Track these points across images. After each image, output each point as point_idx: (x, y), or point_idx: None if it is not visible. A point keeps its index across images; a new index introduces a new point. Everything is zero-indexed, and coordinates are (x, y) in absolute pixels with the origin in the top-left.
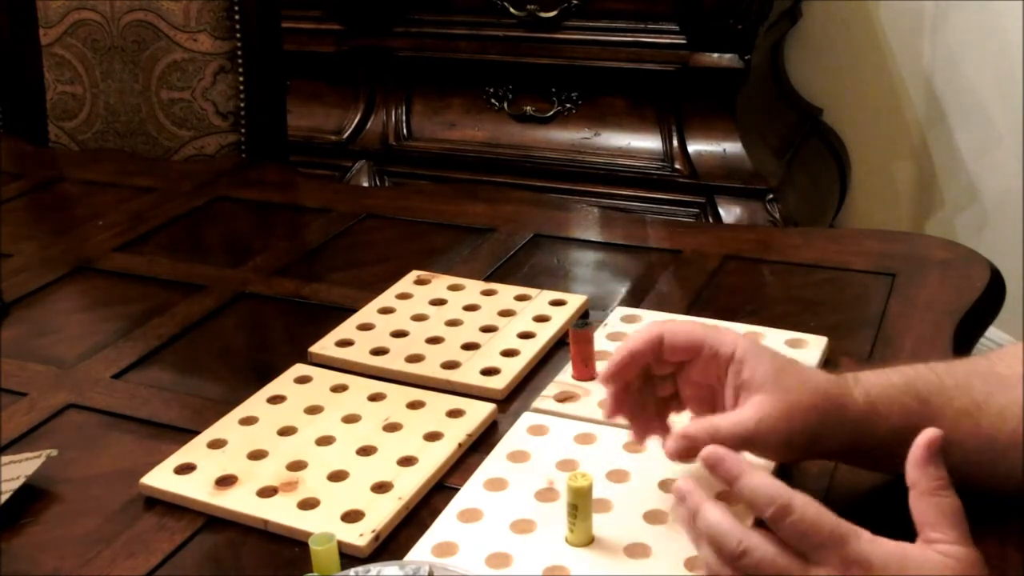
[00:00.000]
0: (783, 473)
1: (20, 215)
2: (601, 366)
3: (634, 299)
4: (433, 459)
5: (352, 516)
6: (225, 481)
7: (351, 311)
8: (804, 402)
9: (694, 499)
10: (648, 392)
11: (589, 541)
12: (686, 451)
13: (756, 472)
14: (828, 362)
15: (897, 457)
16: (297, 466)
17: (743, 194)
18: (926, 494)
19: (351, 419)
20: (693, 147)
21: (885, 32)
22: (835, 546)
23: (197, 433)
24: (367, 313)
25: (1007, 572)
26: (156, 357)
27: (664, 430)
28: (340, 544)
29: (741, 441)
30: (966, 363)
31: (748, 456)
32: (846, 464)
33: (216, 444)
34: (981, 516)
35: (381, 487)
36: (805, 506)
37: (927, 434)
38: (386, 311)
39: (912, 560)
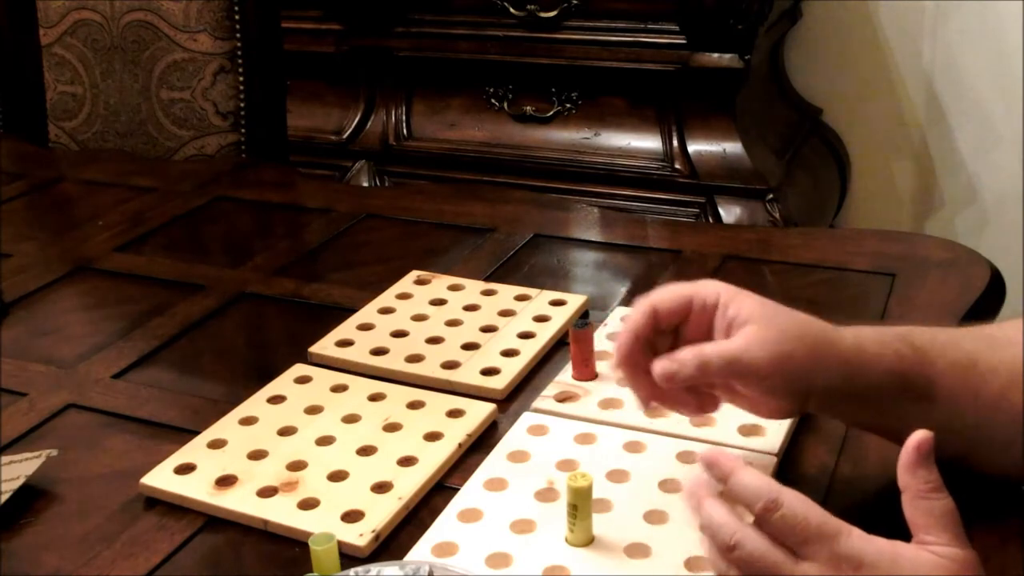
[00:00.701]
0: (783, 471)
1: (20, 215)
2: (601, 366)
3: (634, 299)
4: (433, 459)
5: (352, 516)
6: (225, 481)
7: (351, 311)
8: (792, 331)
9: (699, 494)
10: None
11: (589, 541)
12: (672, 373)
13: (748, 470)
14: None
15: (883, 413)
16: (297, 466)
17: (743, 194)
18: (918, 497)
19: (351, 419)
20: (693, 147)
21: (885, 32)
22: (824, 542)
23: (197, 433)
24: (367, 313)
25: (1007, 571)
26: (156, 357)
27: (683, 398)
28: (340, 544)
29: (727, 362)
30: (958, 328)
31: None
32: (838, 418)
33: (216, 444)
34: (982, 513)
35: (381, 487)
36: (793, 502)
37: (916, 436)
38: (386, 311)
39: (904, 559)
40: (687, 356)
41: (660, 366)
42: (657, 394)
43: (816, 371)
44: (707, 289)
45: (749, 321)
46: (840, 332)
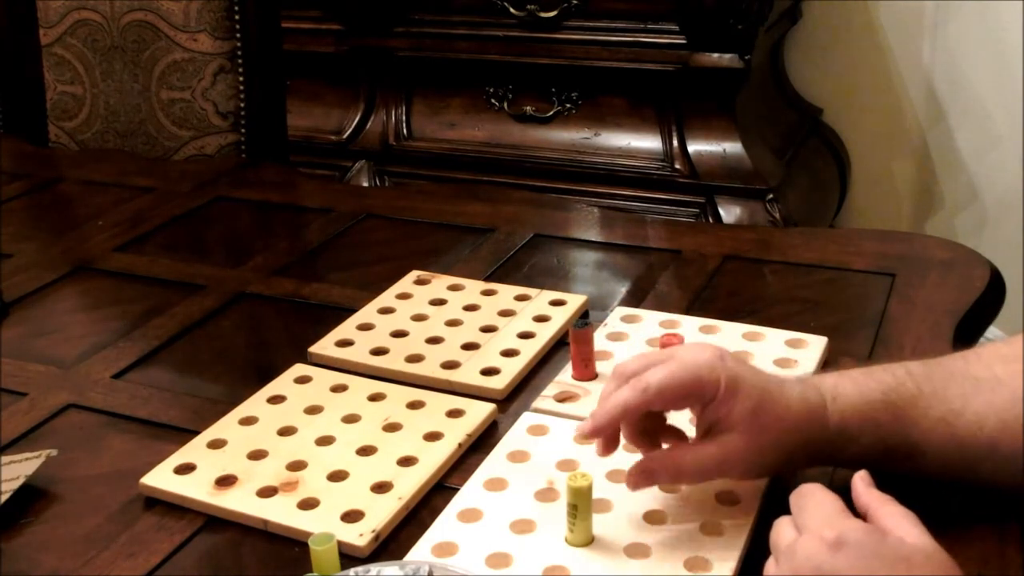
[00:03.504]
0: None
1: (20, 215)
2: (601, 366)
3: (634, 299)
4: (433, 459)
5: (352, 516)
6: (225, 481)
7: (351, 311)
8: (775, 443)
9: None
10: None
11: (589, 541)
12: (646, 484)
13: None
14: (828, 362)
15: (875, 469)
16: (297, 466)
17: (743, 194)
18: (881, 507)
19: (351, 419)
20: (693, 147)
21: (885, 32)
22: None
23: (197, 433)
24: (367, 313)
25: (1007, 572)
26: (156, 357)
27: (652, 445)
28: (340, 544)
29: (702, 479)
30: (944, 365)
31: None
32: None
33: (216, 444)
34: (981, 516)
35: (381, 487)
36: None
37: (858, 474)
38: (386, 311)
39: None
40: (661, 473)
41: (634, 480)
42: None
43: (797, 459)
44: (708, 379)
45: (735, 428)
46: (826, 417)
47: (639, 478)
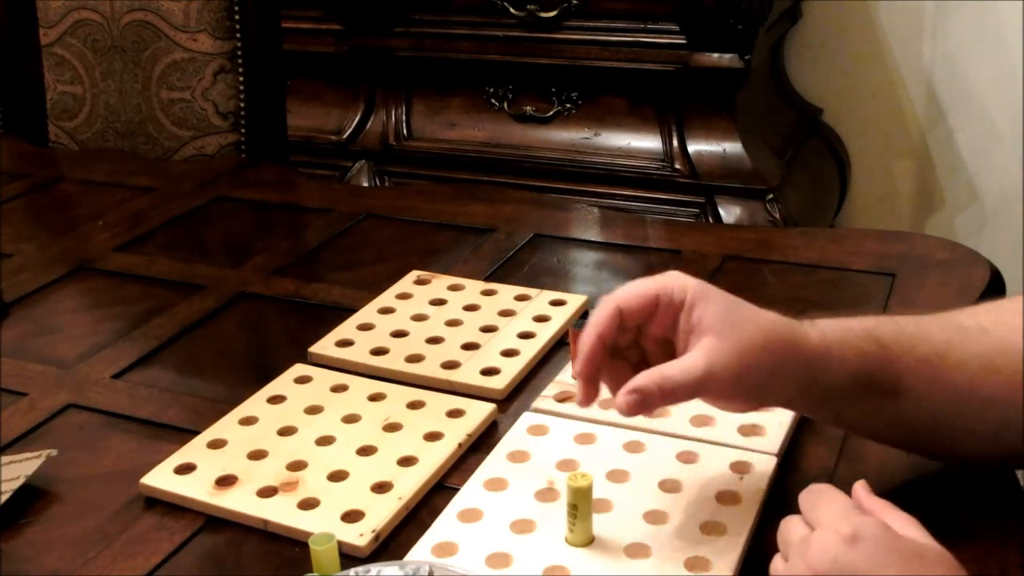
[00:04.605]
0: (783, 471)
1: (20, 215)
2: None
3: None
4: (433, 459)
5: (352, 516)
6: (225, 481)
7: (351, 311)
8: (756, 341)
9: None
10: (619, 364)
11: (589, 541)
12: (637, 405)
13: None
14: None
15: (849, 409)
16: (297, 466)
17: (743, 194)
18: (884, 512)
19: (351, 419)
20: (693, 147)
21: (885, 32)
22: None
23: (197, 433)
24: (367, 313)
25: (1007, 572)
26: (156, 357)
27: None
28: (340, 544)
29: (692, 388)
30: (928, 316)
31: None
32: (802, 412)
33: (216, 444)
34: (982, 515)
35: (381, 487)
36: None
37: (859, 483)
38: (386, 311)
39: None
40: (651, 387)
41: (626, 401)
42: (610, 388)
43: (777, 377)
44: (673, 285)
45: (711, 331)
46: (805, 333)
47: (631, 397)
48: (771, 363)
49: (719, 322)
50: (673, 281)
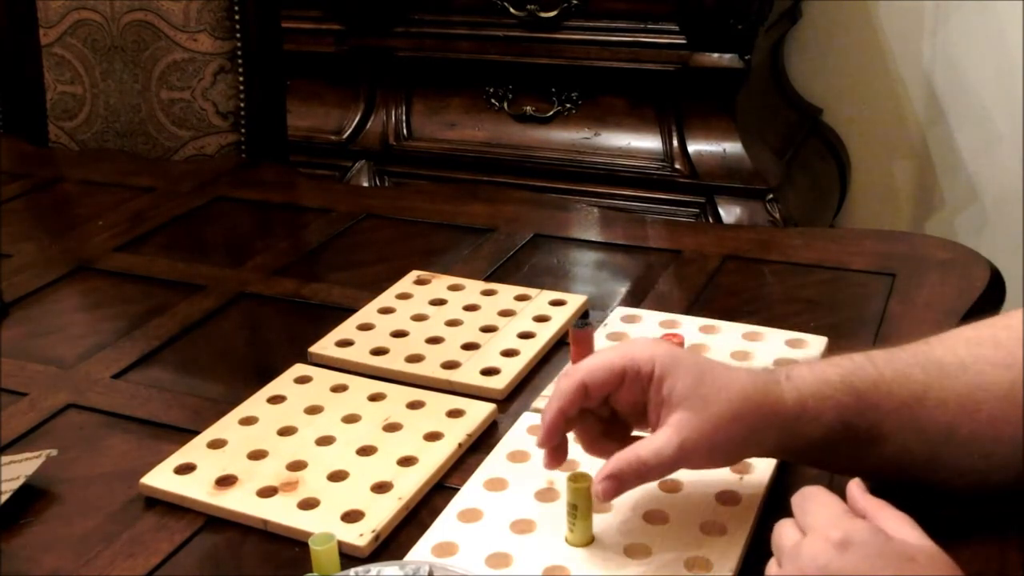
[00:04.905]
0: (782, 471)
1: (20, 215)
2: None
3: (634, 299)
4: (433, 459)
5: (352, 516)
6: (225, 481)
7: (351, 311)
8: (727, 413)
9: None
10: (590, 420)
11: (589, 541)
12: (615, 490)
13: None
14: None
15: (831, 457)
16: (297, 466)
17: (743, 194)
18: (879, 511)
19: (351, 419)
20: (693, 147)
21: (885, 32)
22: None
23: (197, 433)
24: (367, 313)
25: (1007, 572)
26: (156, 357)
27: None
28: (340, 544)
29: (666, 468)
30: (907, 350)
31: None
32: (783, 460)
33: (216, 444)
34: (981, 519)
35: (381, 487)
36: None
37: (853, 481)
38: (386, 311)
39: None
40: (627, 471)
41: (603, 488)
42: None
43: (752, 441)
44: (640, 357)
45: (681, 405)
46: (779, 393)
47: (607, 484)
48: (745, 431)
49: (689, 396)
50: (640, 352)
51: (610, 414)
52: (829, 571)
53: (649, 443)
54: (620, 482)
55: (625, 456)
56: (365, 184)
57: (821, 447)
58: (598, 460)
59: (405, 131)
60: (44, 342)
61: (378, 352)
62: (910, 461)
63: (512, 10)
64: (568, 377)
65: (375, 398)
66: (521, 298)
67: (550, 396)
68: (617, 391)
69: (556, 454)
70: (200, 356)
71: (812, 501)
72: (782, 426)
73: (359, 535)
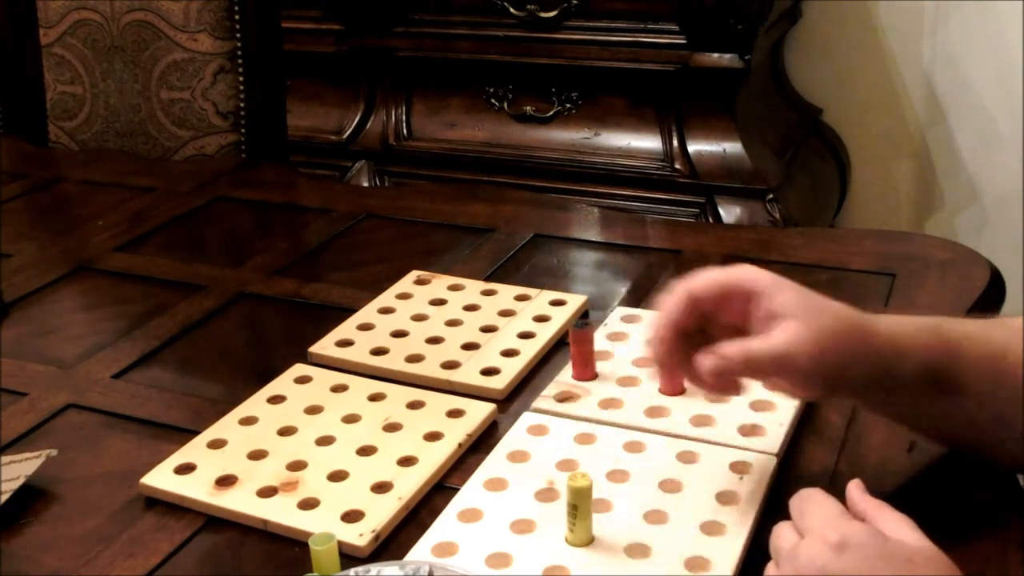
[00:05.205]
0: (783, 471)
1: (20, 215)
2: (601, 366)
3: (634, 299)
4: (433, 459)
5: (352, 516)
6: (225, 481)
7: (351, 311)
8: (832, 327)
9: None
10: (688, 351)
11: (589, 541)
12: (721, 370)
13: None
14: None
15: (914, 405)
16: (297, 466)
17: (743, 194)
18: (878, 512)
19: (351, 419)
20: (693, 147)
21: (885, 32)
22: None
23: (197, 433)
24: (367, 313)
25: (1007, 572)
26: (156, 357)
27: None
28: (340, 544)
29: (773, 361)
30: (985, 319)
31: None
32: (870, 410)
33: (216, 444)
34: (982, 518)
35: (381, 487)
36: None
37: (852, 482)
38: (386, 311)
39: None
40: (734, 353)
41: (709, 363)
42: (688, 379)
43: (852, 364)
44: (746, 276)
45: (791, 316)
46: (875, 324)
47: (715, 360)
48: (848, 349)
49: (798, 307)
50: (745, 272)
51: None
52: (827, 573)
53: (759, 337)
54: (728, 362)
55: (734, 343)
56: (365, 184)
57: (908, 389)
58: (598, 460)
59: (405, 131)
60: (44, 342)
61: (378, 352)
62: (987, 418)
63: (512, 10)
64: (674, 290)
65: (375, 398)
66: (521, 298)
67: (657, 314)
68: (720, 310)
69: (673, 376)
70: (200, 356)
71: (810, 503)
72: (878, 354)
73: (359, 535)
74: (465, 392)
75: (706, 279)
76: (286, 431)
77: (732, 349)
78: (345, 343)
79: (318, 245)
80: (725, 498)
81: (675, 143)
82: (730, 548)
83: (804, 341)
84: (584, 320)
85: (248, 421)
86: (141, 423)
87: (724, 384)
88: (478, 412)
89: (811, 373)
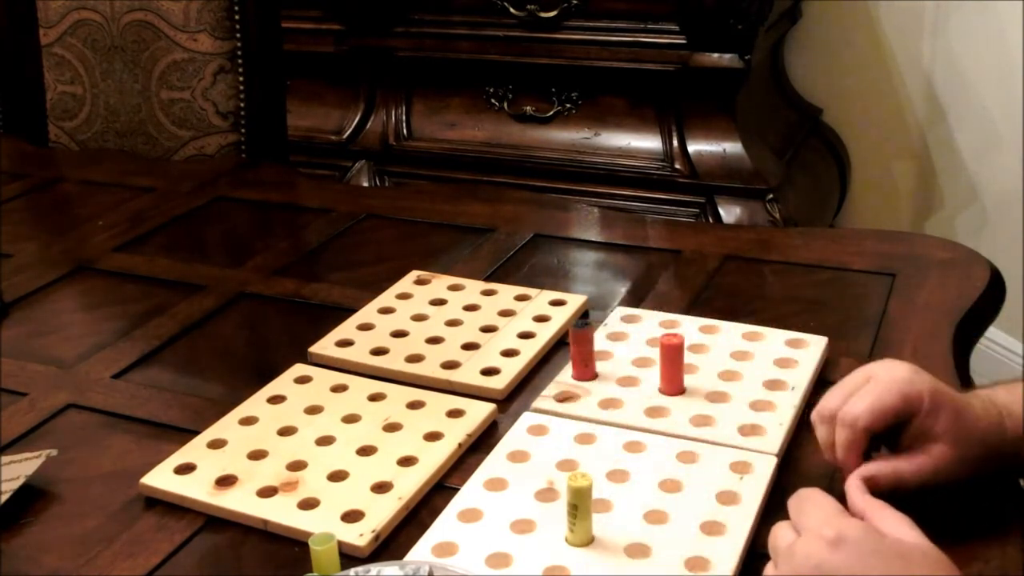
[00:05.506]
0: (783, 471)
1: (20, 215)
2: (601, 366)
3: (634, 299)
4: (433, 459)
5: (352, 516)
6: (225, 481)
7: (351, 311)
8: (975, 448)
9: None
10: None
11: (589, 541)
12: (866, 489)
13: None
14: (828, 362)
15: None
16: (297, 466)
17: (743, 194)
18: (877, 511)
19: (351, 419)
20: (693, 147)
21: (885, 32)
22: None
23: (197, 433)
24: (367, 313)
25: (1007, 572)
26: (156, 357)
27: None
28: (340, 544)
29: (918, 486)
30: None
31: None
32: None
33: (216, 444)
34: (982, 515)
35: (381, 487)
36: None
37: (852, 481)
38: (386, 311)
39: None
40: (885, 476)
41: (855, 484)
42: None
43: (986, 468)
44: (912, 395)
45: (943, 439)
46: (1002, 426)
47: (862, 482)
48: (983, 456)
49: (949, 433)
50: (910, 389)
51: None
52: (823, 570)
53: (908, 462)
54: (876, 482)
55: (882, 467)
56: (365, 184)
57: (1011, 454)
58: (598, 460)
59: (405, 131)
60: (44, 342)
61: (378, 352)
62: None
63: (512, 10)
64: (852, 428)
65: (375, 398)
66: (521, 298)
67: (838, 444)
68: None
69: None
70: (200, 356)
71: (808, 502)
72: (1004, 454)
73: (359, 535)
74: (465, 392)
75: (882, 411)
76: (286, 431)
77: (884, 471)
78: (345, 343)
79: (318, 245)
80: (725, 498)
81: (675, 143)
82: (730, 548)
83: (949, 469)
84: (584, 320)
85: (248, 421)
86: (141, 423)
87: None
88: (478, 412)
89: (949, 483)
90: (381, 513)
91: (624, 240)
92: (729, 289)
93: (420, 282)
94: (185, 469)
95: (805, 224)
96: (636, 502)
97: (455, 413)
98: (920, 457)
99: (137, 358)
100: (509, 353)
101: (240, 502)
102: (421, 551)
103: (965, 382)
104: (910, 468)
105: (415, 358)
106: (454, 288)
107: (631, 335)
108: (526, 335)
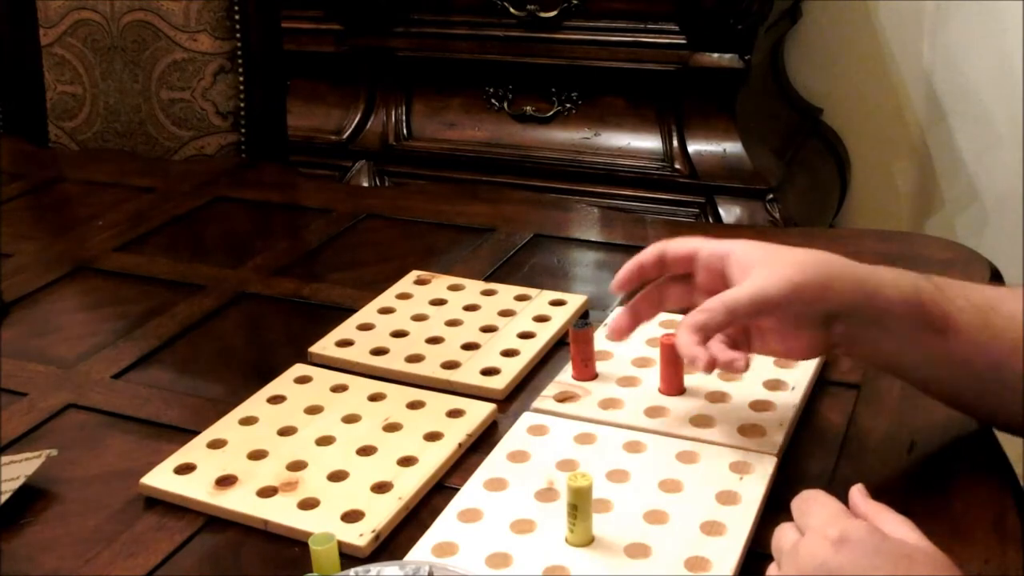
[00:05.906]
0: (783, 471)
1: (20, 215)
2: (601, 366)
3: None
4: (433, 459)
5: (352, 516)
6: (225, 481)
7: (351, 311)
8: (805, 262)
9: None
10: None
11: (589, 541)
12: (704, 323)
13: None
14: (828, 362)
15: (903, 344)
16: (297, 466)
17: (743, 194)
18: (879, 514)
19: (351, 419)
20: (693, 147)
21: (885, 32)
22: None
23: (197, 433)
24: (367, 313)
25: (1007, 572)
26: (156, 357)
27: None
28: (340, 544)
29: (752, 302)
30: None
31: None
32: (861, 355)
33: (216, 444)
34: (982, 516)
35: (381, 487)
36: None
37: (855, 487)
38: (386, 311)
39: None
40: (715, 305)
41: (691, 319)
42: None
43: (834, 293)
44: (715, 242)
45: (761, 263)
46: (856, 262)
47: (697, 315)
48: (826, 278)
49: (768, 256)
50: (717, 240)
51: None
52: (827, 569)
53: (735, 288)
54: (709, 313)
55: (713, 297)
56: (365, 184)
57: (896, 322)
58: (598, 460)
59: (405, 131)
60: (44, 342)
61: (378, 352)
62: (977, 366)
63: (512, 10)
64: (652, 246)
65: (375, 398)
66: (521, 298)
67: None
68: (697, 277)
69: (621, 328)
70: (200, 356)
71: (811, 503)
72: (858, 283)
73: (359, 535)
74: (465, 392)
75: (678, 240)
76: (286, 431)
77: (711, 301)
78: (345, 343)
79: (318, 245)
80: (725, 498)
81: (675, 143)
82: (730, 548)
83: (779, 276)
84: (584, 320)
85: (248, 421)
86: (141, 423)
87: (726, 359)
88: (478, 412)
89: (792, 302)
90: (381, 513)
91: (624, 240)
92: None
93: (420, 282)
94: (185, 469)
95: (805, 224)
96: (636, 502)
97: (455, 413)
98: (744, 282)
99: (137, 358)
100: (509, 353)
101: (240, 502)
102: (421, 551)
103: None
104: (735, 289)
105: (415, 358)
106: (454, 288)
107: (631, 335)
108: (526, 335)
